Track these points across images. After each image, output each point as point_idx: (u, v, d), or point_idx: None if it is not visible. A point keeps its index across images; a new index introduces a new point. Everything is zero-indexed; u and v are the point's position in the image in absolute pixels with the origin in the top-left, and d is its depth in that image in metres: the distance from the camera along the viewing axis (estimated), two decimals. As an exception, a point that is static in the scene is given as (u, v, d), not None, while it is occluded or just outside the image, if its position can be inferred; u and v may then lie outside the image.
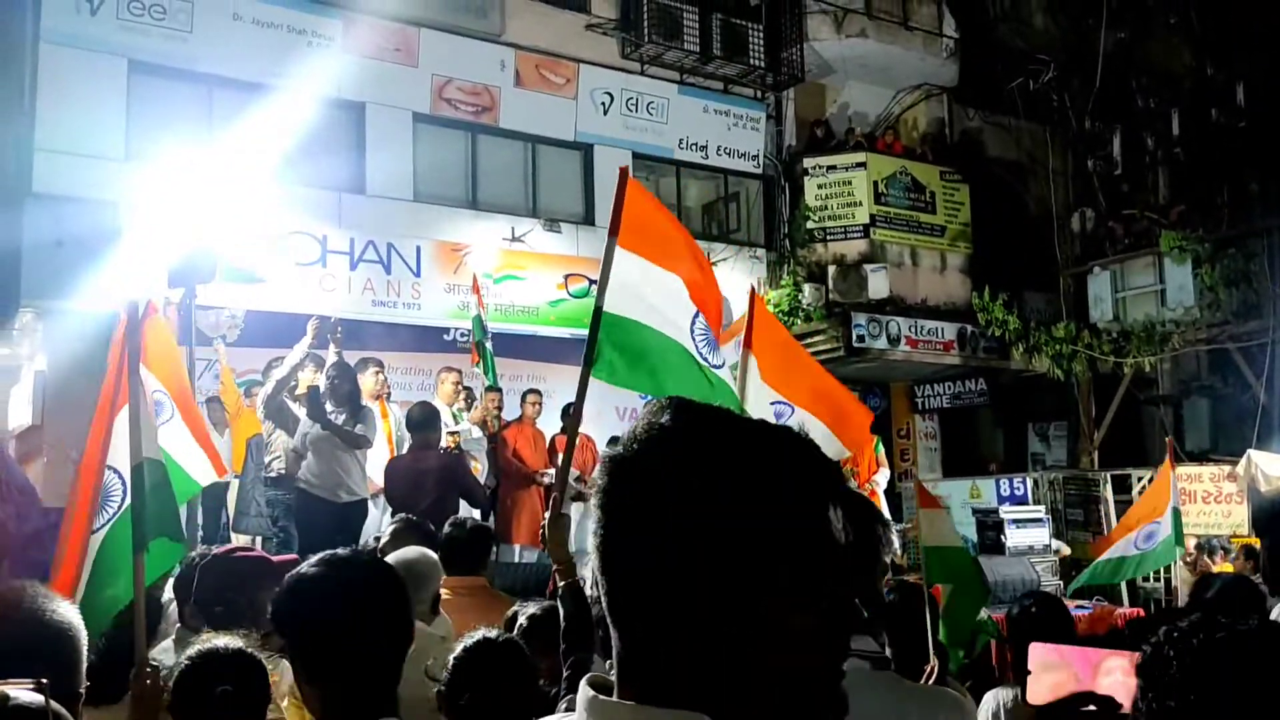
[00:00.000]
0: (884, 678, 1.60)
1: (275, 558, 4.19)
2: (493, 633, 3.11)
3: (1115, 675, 1.64)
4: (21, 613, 1.96)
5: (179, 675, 2.75)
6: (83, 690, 1.96)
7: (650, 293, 4.26)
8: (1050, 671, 1.69)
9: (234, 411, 9.34)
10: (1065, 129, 16.95)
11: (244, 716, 2.72)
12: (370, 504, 8.23)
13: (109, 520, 3.89)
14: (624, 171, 4.44)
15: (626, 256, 4.17)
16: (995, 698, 3.85)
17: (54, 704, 1.53)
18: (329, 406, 7.91)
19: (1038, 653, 1.71)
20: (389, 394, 9.55)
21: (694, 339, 4.37)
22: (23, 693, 1.18)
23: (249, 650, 2.85)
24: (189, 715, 2.72)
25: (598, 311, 4.06)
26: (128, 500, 3.82)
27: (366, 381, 8.73)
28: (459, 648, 3.05)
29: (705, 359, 4.39)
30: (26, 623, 1.94)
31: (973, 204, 16.91)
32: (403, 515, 5.28)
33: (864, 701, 1.58)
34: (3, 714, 1.08)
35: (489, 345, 9.39)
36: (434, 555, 4.25)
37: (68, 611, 2.00)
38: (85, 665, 2.00)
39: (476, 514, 8.17)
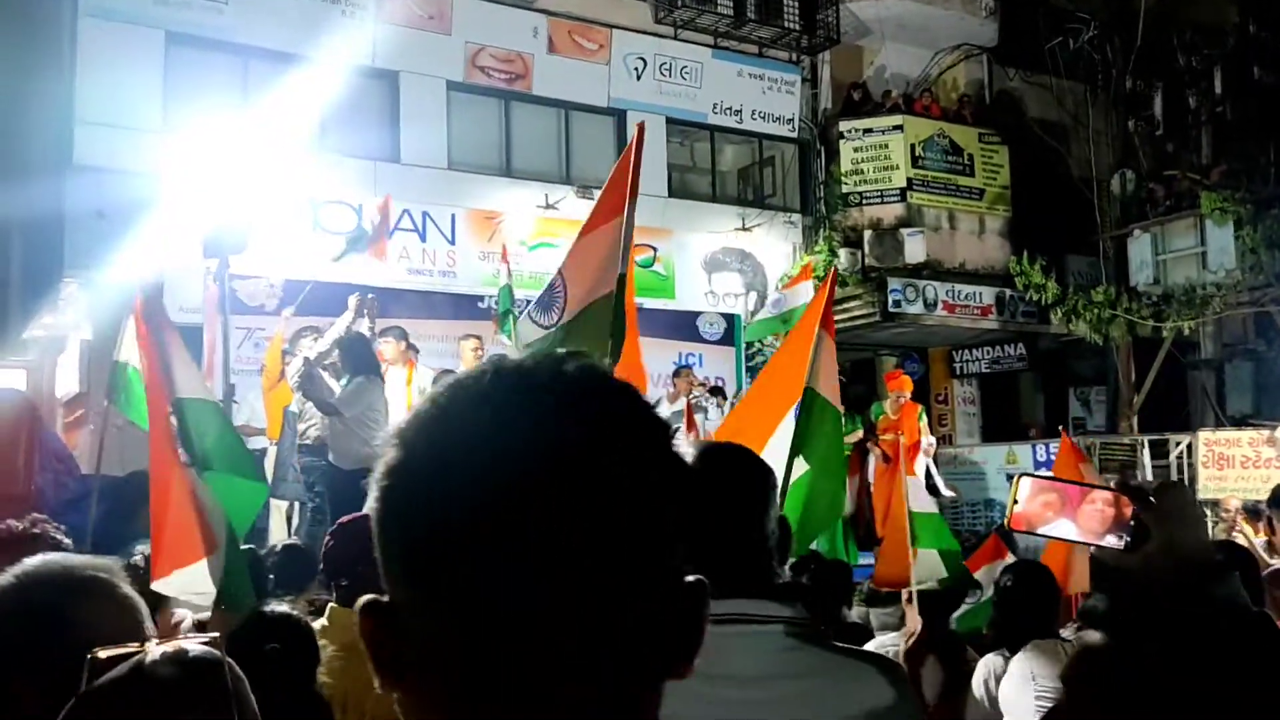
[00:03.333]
0: (781, 643, 1.56)
1: None
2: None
3: (1097, 504, 1.74)
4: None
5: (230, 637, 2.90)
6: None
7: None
8: (1041, 494, 1.79)
9: (272, 381, 9.50)
10: (1107, 88, 16.65)
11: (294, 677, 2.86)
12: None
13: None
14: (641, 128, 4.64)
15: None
16: (987, 665, 3.85)
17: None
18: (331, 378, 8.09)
19: (1028, 484, 1.80)
20: (415, 362, 9.63)
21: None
22: (200, 647, 1.19)
23: (296, 615, 3.02)
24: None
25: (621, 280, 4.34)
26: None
27: (387, 349, 8.86)
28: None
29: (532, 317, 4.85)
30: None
31: (1012, 166, 16.69)
32: None
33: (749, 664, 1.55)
34: (184, 666, 1.12)
35: (516, 313, 9.41)
36: None
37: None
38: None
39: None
